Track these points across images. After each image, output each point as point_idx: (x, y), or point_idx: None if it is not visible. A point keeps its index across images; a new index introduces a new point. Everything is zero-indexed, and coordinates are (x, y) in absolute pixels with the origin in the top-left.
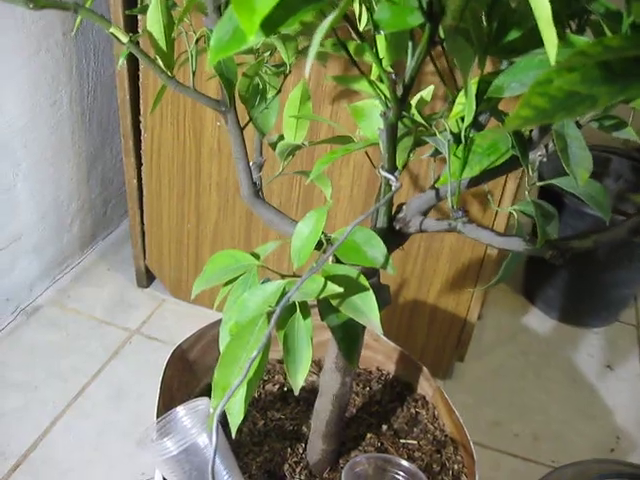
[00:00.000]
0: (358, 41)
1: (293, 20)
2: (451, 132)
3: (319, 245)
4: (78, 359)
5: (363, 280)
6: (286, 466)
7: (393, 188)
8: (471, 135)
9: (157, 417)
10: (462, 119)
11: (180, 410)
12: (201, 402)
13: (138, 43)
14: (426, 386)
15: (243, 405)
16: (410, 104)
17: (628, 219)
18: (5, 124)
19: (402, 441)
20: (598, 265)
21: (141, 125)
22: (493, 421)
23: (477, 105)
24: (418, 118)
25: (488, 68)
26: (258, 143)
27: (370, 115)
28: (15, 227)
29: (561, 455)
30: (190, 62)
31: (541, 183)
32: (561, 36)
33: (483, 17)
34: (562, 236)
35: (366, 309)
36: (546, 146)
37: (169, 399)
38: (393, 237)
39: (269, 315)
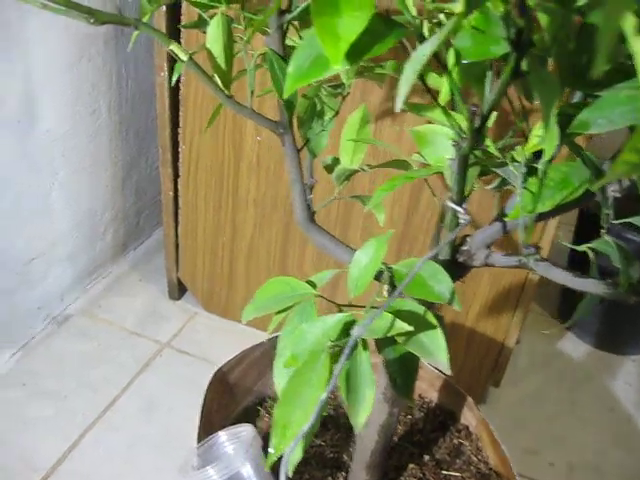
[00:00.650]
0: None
1: (379, 48)
2: (525, 164)
3: (377, 274)
4: (108, 370)
5: (430, 317)
6: None
7: (461, 221)
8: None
9: (198, 441)
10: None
11: (222, 435)
12: (243, 428)
13: (191, 58)
14: (470, 416)
15: (303, 445)
16: (485, 135)
17: None
18: (45, 132)
19: (444, 472)
20: None
21: (179, 137)
22: (528, 449)
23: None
24: (493, 150)
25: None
26: (309, 164)
27: (434, 142)
28: (50, 235)
29: None
30: (249, 82)
31: (620, 221)
32: None
33: None
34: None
35: (434, 348)
36: (619, 181)
37: (208, 422)
38: (455, 269)
39: (330, 350)
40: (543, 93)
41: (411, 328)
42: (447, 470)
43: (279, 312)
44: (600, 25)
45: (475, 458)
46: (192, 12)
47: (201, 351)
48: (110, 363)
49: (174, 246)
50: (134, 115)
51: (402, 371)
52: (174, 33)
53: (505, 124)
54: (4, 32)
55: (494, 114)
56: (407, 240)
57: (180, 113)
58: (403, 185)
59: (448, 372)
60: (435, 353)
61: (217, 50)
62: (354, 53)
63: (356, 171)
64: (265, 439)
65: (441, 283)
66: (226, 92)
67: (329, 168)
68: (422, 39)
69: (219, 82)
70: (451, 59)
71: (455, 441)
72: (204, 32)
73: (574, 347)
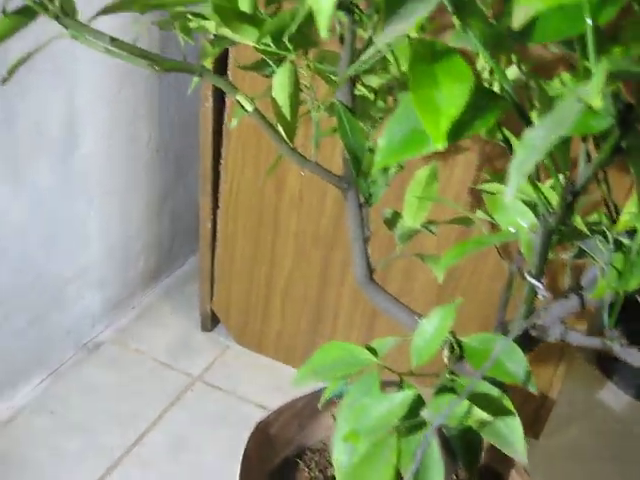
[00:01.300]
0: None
1: (481, 124)
2: (614, 241)
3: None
4: (138, 403)
5: (508, 403)
6: None
7: (540, 297)
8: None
9: None
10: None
11: None
12: None
13: (256, 109)
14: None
15: None
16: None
17: None
18: (83, 158)
19: None
20: None
21: (221, 167)
22: None
23: None
24: (581, 226)
25: None
26: (366, 216)
27: (508, 208)
28: (83, 260)
29: None
30: (315, 134)
31: None
32: None
33: None
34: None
35: (512, 437)
36: None
37: (247, 473)
38: (526, 343)
39: (398, 431)
40: None
41: (491, 419)
42: None
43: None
44: None
45: None
46: (239, 52)
47: (233, 386)
48: (140, 396)
49: (209, 277)
50: (173, 142)
51: (466, 449)
52: (219, 72)
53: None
54: (50, 60)
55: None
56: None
57: (223, 144)
58: (448, 238)
59: (524, 462)
60: (513, 443)
61: (282, 99)
62: (455, 130)
63: (419, 230)
64: None
65: (516, 362)
66: (290, 144)
67: (389, 223)
68: (519, 110)
69: (282, 133)
70: None
71: None
72: (266, 76)
73: (615, 398)
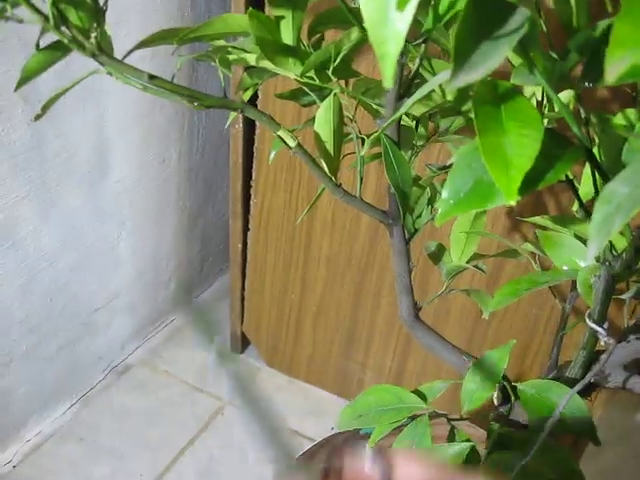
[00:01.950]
0: None
1: (554, 175)
2: None
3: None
4: (168, 428)
5: (575, 463)
6: None
7: (602, 343)
8: None
9: None
10: None
11: None
12: None
13: (299, 144)
14: None
15: None
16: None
17: None
18: (114, 182)
19: None
20: None
21: (252, 190)
22: None
23: None
24: None
25: None
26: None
27: (563, 246)
28: (114, 284)
29: None
30: (358, 169)
31: None
32: None
33: None
34: None
35: None
36: None
37: None
38: (584, 389)
39: None
40: None
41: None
42: None
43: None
44: None
45: None
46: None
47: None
48: (170, 420)
49: (240, 299)
50: (203, 163)
51: None
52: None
53: None
54: (80, 84)
55: None
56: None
57: (253, 166)
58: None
59: None
60: None
61: (326, 135)
62: (526, 183)
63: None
64: None
65: (579, 416)
66: (333, 179)
67: (434, 257)
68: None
69: (325, 167)
70: None
71: None
72: (303, 105)
73: None
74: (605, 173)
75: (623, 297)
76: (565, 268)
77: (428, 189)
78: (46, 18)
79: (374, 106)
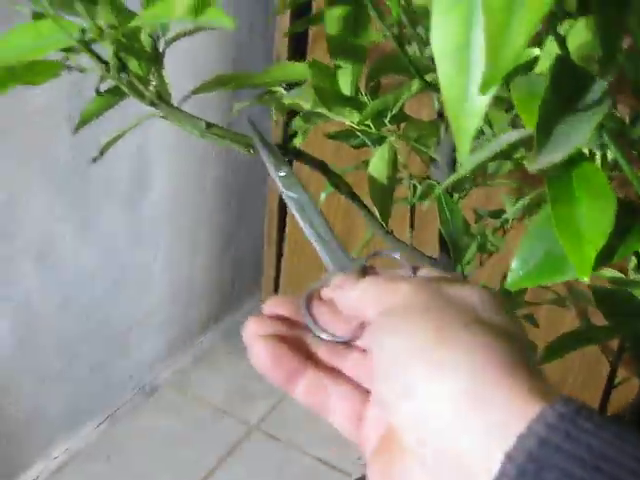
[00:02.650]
0: None
1: (627, 249)
2: None
3: None
4: (194, 451)
5: None
6: None
7: None
8: None
9: None
10: None
11: None
12: None
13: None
14: None
15: None
16: None
17: None
18: (152, 205)
19: None
20: None
21: (287, 215)
22: None
23: None
24: None
25: None
26: None
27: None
28: (147, 305)
29: None
30: (410, 215)
31: None
32: None
33: None
34: None
35: None
36: None
37: None
38: None
39: None
40: None
41: None
42: None
43: None
44: None
45: None
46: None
47: (290, 436)
48: (197, 443)
49: None
50: (238, 186)
51: None
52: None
53: None
54: (120, 111)
55: None
56: None
57: None
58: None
59: None
60: None
61: (380, 181)
62: (599, 258)
63: None
64: None
65: None
66: (384, 226)
67: None
68: None
69: (377, 213)
70: None
71: None
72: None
73: None
74: None
75: None
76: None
77: (480, 238)
78: (107, 67)
79: (429, 152)
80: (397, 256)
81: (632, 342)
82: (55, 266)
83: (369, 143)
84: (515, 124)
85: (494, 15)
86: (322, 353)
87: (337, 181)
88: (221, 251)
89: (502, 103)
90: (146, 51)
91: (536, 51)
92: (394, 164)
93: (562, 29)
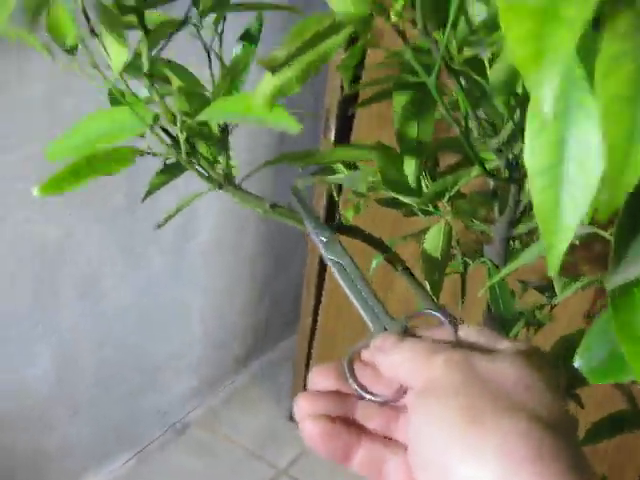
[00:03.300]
0: None
1: None
2: None
3: None
4: None
5: None
6: None
7: None
8: None
9: None
10: None
11: None
12: None
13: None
14: None
15: None
16: None
17: None
18: (195, 247)
19: None
20: None
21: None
22: None
23: None
24: None
25: None
26: None
27: None
28: (181, 343)
29: None
30: (461, 289)
31: None
32: None
33: None
34: None
35: None
36: None
37: None
38: None
39: None
40: None
41: None
42: None
43: None
44: None
45: None
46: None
47: None
48: None
49: (304, 370)
50: (278, 231)
51: None
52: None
53: None
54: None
55: None
56: None
57: None
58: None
59: None
60: None
61: (433, 256)
62: None
63: None
64: None
65: None
66: (435, 300)
67: None
68: None
69: (428, 287)
70: None
71: None
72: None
73: None
74: None
75: None
76: None
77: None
78: (179, 151)
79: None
80: (438, 314)
81: None
82: (97, 302)
83: (420, 215)
84: None
85: (616, 145)
86: (374, 424)
87: (392, 257)
88: (259, 294)
89: None
90: (215, 135)
91: None
92: (449, 240)
93: None
